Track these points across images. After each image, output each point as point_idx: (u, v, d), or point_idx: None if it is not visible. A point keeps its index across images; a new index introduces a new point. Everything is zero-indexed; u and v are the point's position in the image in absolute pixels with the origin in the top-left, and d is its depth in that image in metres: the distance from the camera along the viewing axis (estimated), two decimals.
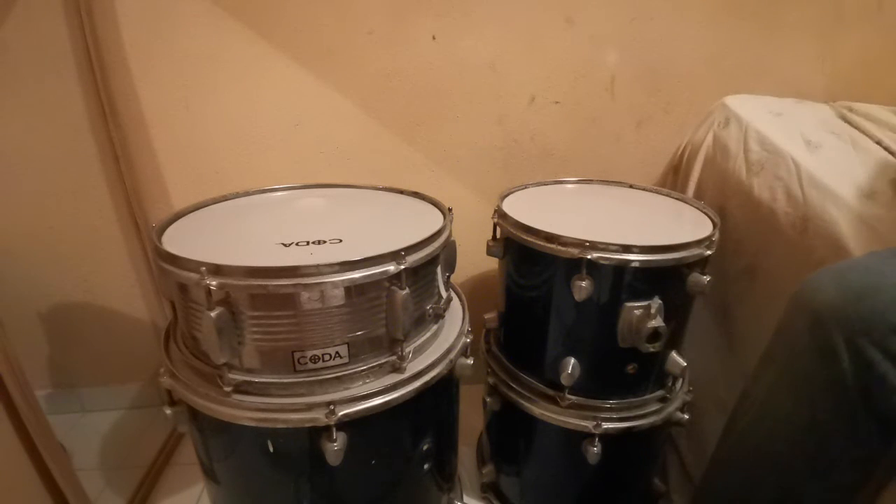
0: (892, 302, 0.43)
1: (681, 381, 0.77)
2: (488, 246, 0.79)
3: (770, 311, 0.71)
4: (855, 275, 0.47)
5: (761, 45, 0.98)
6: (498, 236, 0.78)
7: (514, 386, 0.78)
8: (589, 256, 0.63)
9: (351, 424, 0.54)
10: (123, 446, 1.07)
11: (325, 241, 0.59)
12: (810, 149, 0.75)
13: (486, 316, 0.85)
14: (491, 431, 0.93)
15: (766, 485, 0.53)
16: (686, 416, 0.76)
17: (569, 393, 0.72)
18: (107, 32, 0.89)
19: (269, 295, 0.50)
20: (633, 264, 0.63)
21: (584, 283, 0.64)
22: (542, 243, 0.67)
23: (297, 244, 0.58)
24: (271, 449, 0.56)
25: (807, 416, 0.48)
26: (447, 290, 0.69)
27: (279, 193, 0.79)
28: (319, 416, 0.52)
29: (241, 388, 0.54)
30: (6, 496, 0.66)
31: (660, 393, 0.75)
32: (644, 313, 0.64)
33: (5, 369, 0.63)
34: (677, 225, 0.76)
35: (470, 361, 0.65)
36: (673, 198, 0.85)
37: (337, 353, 0.55)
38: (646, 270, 0.64)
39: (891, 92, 0.96)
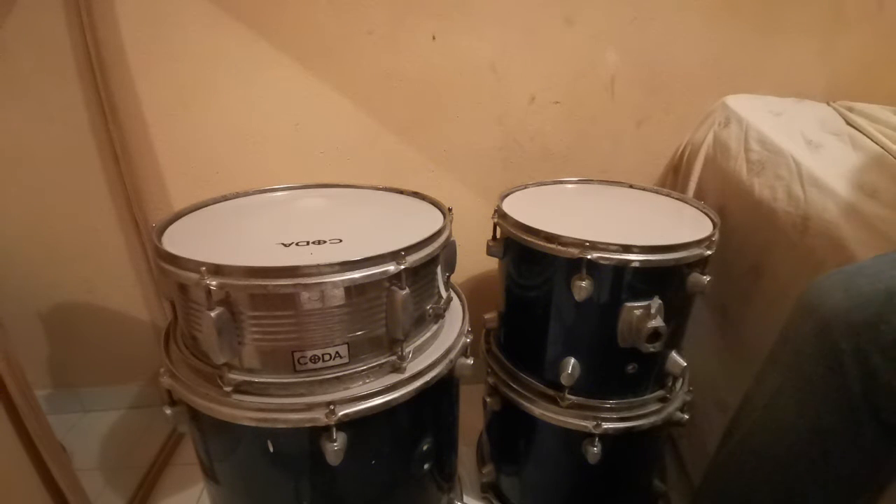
0: None
1: (681, 381, 0.77)
2: (488, 246, 0.79)
3: (772, 311, 0.71)
4: (864, 280, 0.46)
5: (761, 45, 0.98)
6: (498, 236, 0.78)
7: (514, 386, 0.78)
8: (589, 256, 0.63)
9: (351, 424, 0.54)
10: (123, 446, 1.07)
11: (325, 241, 0.59)
12: (811, 148, 0.75)
13: (486, 316, 0.85)
14: (491, 431, 0.93)
15: (767, 489, 0.53)
16: (686, 416, 0.76)
17: (569, 393, 0.72)
18: (107, 32, 0.89)
19: (269, 295, 0.50)
20: (633, 264, 0.63)
21: (584, 283, 0.64)
22: (542, 243, 0.67)
23: (297, 244, 0.58)
24: (271, 449, 0.56)
25: (810, 422, 0.48)
26: (447, 290, 0.69)
27: (279, 193, 0.79)
28: (319, 416, 0.52)
29: (241, 388, 0.54)
30: (6, 496, 0.66)
31: (660, 393, 0.75)
32: (644, 313, 0.64)
33: (5, 369, 0.63)
34: (677, 225, 0.76)
35: (470, 361, 0.65)
36: (673, 198, 0.85)
37: (337, 353, 0.55)
38: (646, 270, 0.64)
39: (891, 92, 0.96)
